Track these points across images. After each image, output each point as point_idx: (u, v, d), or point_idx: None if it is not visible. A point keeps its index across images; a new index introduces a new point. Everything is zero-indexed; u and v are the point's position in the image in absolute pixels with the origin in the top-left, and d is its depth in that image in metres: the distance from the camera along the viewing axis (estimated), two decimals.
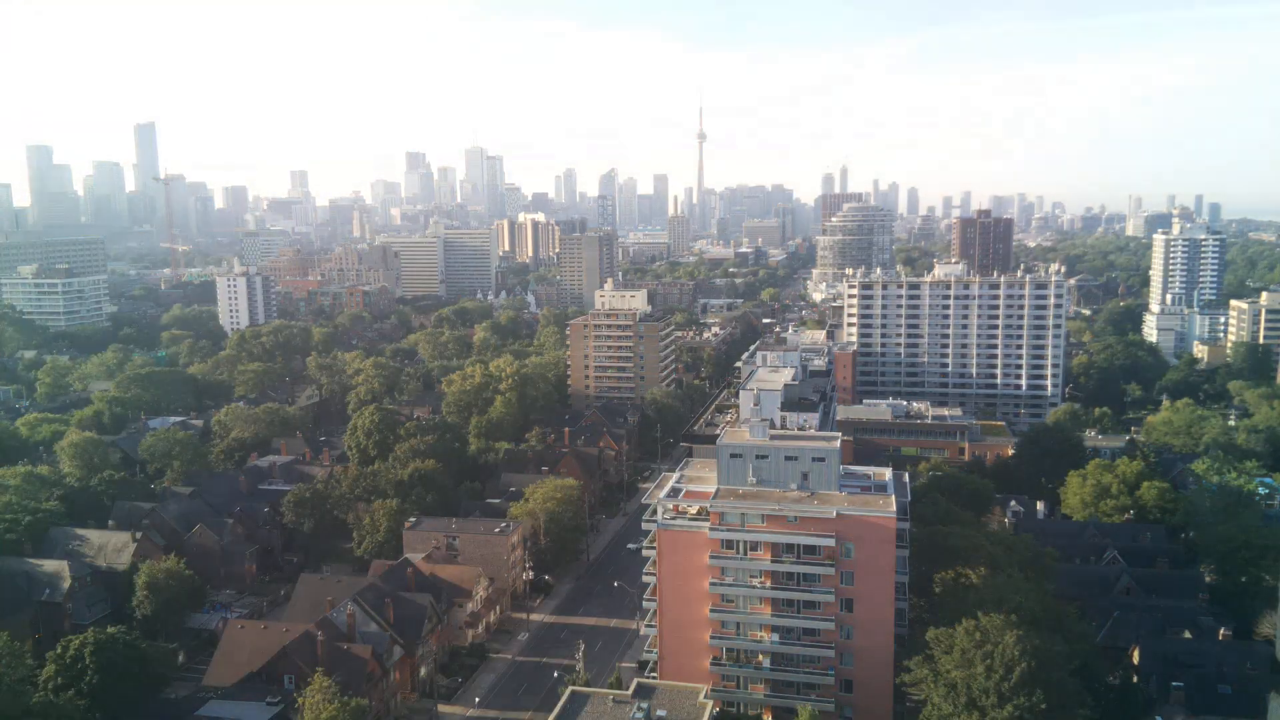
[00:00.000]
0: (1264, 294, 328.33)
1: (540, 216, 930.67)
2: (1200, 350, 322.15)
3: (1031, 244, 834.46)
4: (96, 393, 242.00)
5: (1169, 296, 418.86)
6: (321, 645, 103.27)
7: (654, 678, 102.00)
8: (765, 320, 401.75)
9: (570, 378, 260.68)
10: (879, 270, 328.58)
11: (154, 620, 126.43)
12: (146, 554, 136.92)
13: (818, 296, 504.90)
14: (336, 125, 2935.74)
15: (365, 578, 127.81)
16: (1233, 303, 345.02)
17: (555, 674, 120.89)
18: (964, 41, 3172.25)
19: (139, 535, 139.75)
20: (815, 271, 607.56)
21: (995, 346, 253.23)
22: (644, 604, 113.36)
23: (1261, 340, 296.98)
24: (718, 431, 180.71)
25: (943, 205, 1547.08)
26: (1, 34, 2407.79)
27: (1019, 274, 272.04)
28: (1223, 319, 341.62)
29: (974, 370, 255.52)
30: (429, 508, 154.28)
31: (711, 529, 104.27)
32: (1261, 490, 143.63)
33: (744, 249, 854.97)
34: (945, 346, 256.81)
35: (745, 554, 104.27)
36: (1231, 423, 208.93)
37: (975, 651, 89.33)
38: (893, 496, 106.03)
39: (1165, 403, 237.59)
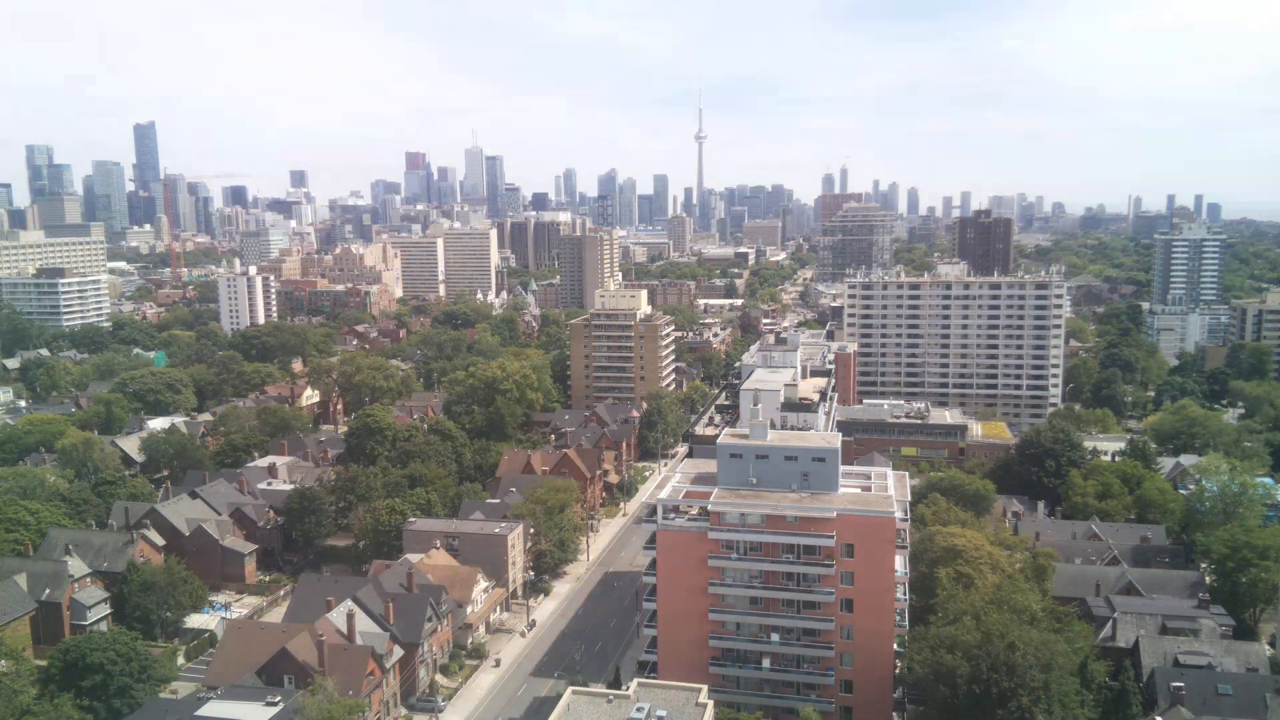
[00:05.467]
0: (1265, 294, 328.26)
1: (540, 216, 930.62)
2: (1200, 350, 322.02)
3: (1031, 244, 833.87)
4: (96, 393, 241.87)
5: (1169, 296, 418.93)
6: (321, 645, 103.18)
7: (654, 678, 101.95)
8: (765, 320, 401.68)
9: (570, 378, 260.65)
10: (879, 270, 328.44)
11: (154, 620, 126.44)
12: (146, 554, 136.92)
13: (817, 297, 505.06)
14: (336, 125, 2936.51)
15: (365, 578, 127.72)
16: (1234, 302, 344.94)
17: (555, 674, 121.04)
18: (964, 40, 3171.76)
19: (138, 535, 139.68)
20: (815, 271, 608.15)
21: (995, 346, 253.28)
22: (644, 604, 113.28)
23: (1262, 340, 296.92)
24: (718, 431, 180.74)
25: (943, 205, 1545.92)
26: (2, 33, 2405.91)
27: (1019, 274, 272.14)
28: (1223, 319, 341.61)
29: (974, 370, 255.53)
30: (429, 508, 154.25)
31: (711, 529, 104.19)
32: (1261, 490, 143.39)
33: (744, 249, 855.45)
34: (945, 347, 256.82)
35: (745, 554, 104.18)
36: (1232, 423, 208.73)
37: (976, 651, 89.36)
38: (892, 496, 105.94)
39: (1165, 402, 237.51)
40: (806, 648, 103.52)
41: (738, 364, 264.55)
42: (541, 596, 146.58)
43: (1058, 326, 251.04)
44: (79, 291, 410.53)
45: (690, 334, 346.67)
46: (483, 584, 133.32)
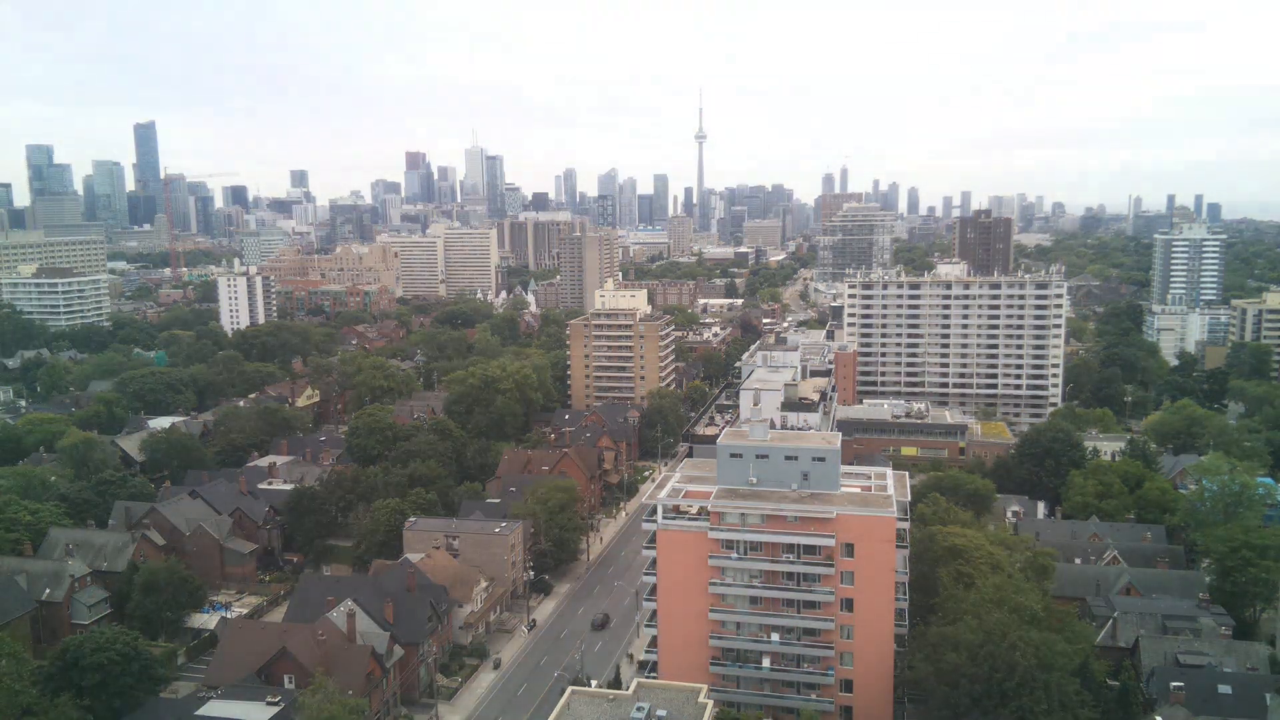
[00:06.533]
0: (1266, 294, 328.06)
1: (540, 216, 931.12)
2: (1200, 350, 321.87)
3: (1031, 244, 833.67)
4: (96, 393, 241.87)
5: (1169, 296, 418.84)
6: (321, 645, 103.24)
7: (654, 678, 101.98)
8: (765, 320, 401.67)
9: (570, 378, 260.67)
10: (879, 270, 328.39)
11: (154, 620, 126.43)
12: (146, 554, 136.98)
13: (817, 297, 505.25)
14: (336, 125, 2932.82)
15: (365, 578, 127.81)
16: (1234, 302, 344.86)
17: (555, 674, 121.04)
18: (963, 41, 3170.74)
19: (138, 535, 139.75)
20: (815, 271, 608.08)
21: (995, 346, 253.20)
22: (644, 604, 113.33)
23: (1262, 340, 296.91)
24: (718, 431, 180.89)
25: (943, 205, 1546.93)
26: (2, 33, 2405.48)
27: (1019, 274, 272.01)
28: (1223, 319, 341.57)
29: (974, 370, 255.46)
30: (429, 508, 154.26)
31: (711, 529, 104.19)
32: (1261, 490, 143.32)
33: (744, 249, 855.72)
34: (945, 347, 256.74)
35: (745, 554, 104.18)
36: (1232, 422, 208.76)
37: (977, 651, 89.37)
38: (893, 496, 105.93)
39: (1165, 402, 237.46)
40: (807, 647, 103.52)
41: (738, 364, 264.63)
42: (541, 596, 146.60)
43: (1058, 326, 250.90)
44: (79, 291, 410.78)
45: (690, 334, 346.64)
46: (483, 584, 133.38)
